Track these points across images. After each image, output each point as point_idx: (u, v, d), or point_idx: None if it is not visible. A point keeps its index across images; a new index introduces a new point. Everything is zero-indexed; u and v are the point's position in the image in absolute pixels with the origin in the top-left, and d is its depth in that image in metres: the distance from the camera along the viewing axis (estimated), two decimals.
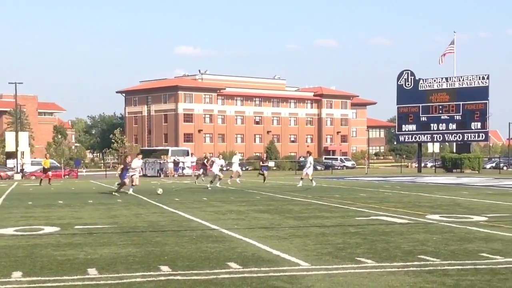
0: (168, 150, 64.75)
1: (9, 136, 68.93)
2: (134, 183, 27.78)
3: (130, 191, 27.12)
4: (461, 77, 59.89)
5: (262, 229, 14.00)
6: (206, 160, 44.88)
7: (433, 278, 8.30)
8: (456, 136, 59.94)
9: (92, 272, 8.90)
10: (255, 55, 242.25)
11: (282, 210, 18.63)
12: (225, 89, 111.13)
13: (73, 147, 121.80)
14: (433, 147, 71.49)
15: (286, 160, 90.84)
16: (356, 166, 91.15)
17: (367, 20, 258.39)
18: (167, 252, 10.64)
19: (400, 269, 8.91)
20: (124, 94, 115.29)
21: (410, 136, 62.25)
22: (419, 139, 62.39)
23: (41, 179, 39.27)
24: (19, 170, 60.53)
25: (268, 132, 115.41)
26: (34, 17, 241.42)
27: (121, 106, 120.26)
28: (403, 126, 62.24)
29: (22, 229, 14.19)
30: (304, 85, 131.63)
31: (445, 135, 60.36)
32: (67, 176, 58.41)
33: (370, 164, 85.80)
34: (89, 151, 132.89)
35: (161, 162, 59.82)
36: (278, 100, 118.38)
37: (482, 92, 58.06)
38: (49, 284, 8.15)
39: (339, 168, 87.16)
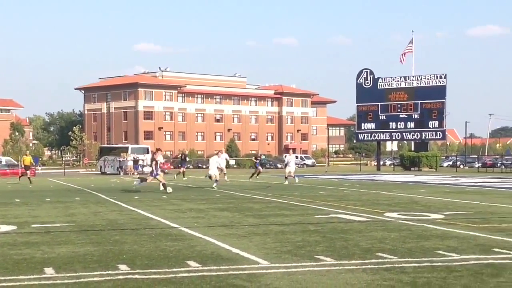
0: (128, 147, 64.21)
1: None
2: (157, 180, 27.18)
3: (169, 189, 26.33)
4: (419, 76, 60.66)
5: (221, 227, 13.99)
6: (182, 155, 44.79)
7: (390, 275, 8.39)
8: (414, 135, 60.70)
9: (49, 271, 8.79)
10: (216, 53, 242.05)
11: (242, 208, 18.64)
12: (185, 86, 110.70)
13: (30, 144, 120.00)
14: (392, 146, 72.12)
15: (246, 158, 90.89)
16: (316, 164, 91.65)
17: (326, 19, 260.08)
18: (125, 250, 10.56)
19: (358, 267, 8.98)
20: (83, 91, 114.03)
21: (369, 134, 62.83)
22: (378, 137, 63.02)
23: (28, 177, 37.46)
24: None
25: (228, 130, 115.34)
26: None
27: (80, 103, 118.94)
28: (363, 124, 62.79)
29: None
30: (265, 83, 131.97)
31: (404, 133, 61.08)
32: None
33: (330, 162, 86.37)
34: (47, 148, 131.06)
35: (121, 160, 59.28)
36: (239, 98, 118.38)
37: (439, 91, 58.88)
38: (4, 284, 8.02)
39: (299, 166, 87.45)
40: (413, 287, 7.73)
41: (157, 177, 26.60)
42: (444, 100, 58.85)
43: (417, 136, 60.66)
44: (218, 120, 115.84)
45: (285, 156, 38.66)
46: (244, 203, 20.85)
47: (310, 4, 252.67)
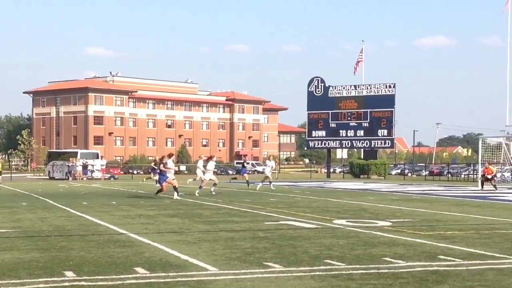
0: (77, 152, 63.40)
1: None
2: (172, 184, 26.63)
3: (176, 196, 25.90)
4: (369, 85, 61.44)
5: (171, 233, 13.92)
6: (154, 163, 44.42)
7: (338, 282, 8.46)
8: (364, 143, 61.40)
9: None
10: (168, 58, 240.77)
11: (192, 215, 18.58)
12: (136, 91, 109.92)
13: None
14: (342, 153, 73.04)
15: (195, 164, 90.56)
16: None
17: (278, 26, 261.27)
18: (72, 257, 10.42)
19: (306, 274, 9.03)
20: (31, 95, 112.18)
21: (320, 142, 63.31)
22: (328, 145, 63.55)
23: None
24: None
25: (180, 136, 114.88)
26: None
27: (28, 107, 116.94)
28: (313, 132, 63.26)
29: None
30: (217, 89, 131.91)
31: (353, 141, 61.72)
32: None
33: (281, 169, 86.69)
34: None
35: (70, 165, 58.46)
36: (190, 104, 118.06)
37: (388, 100, 59.70)
38: None
39: (250, 172, 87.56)
40: None
41: (163, 181, 26.24)
42: (393, 109, 59.69)
43: (367, 144, 61.37)
44: (169, 126, 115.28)
45: (264, 163, 38.73)
46: (194, 209, 20.78)
47: (262, 11, 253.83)
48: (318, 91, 62.54)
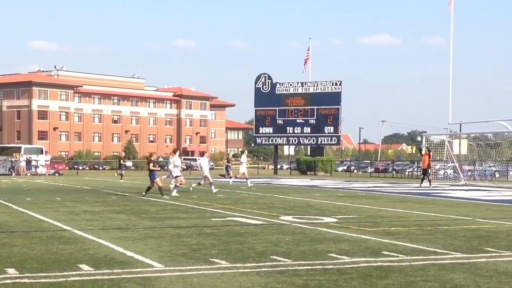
0: (20, 147, 62.22)
1: None
2: (180, 183, 26.24)
3: (174, 193, 25.29)
4: (316, 82, 61.85)
5: (116, 230, 13.79)
6: (120, 160, 44.02)
7: (284, 278, 8.50)
8: (311, 140, 61.83)
9: None
10: (114, 53, 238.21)
11: (138, 211, 18.43)
12: (82, 86, 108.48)
13: None
14: (289, 150, 73.24)
15: (144, 160, 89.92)
16: (215, 167, 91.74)
17: (226, 23, 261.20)
18: (14, 254, 10.23)
19: (252, 270, 9.06)
20: None
21: (267, 138, 63.49)
22: (275, 141, 63.79)
23: None
24: None
25: (126, 131, 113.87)
26: None
27: None
28: (261, 128, 63.41)
29: None
30: (164, 85, 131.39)
31: (300, 138, 62.09)
32: None
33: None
34: None
35: (13, 160, 57.39)
36: (137, 99, 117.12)
37: (335, 98, 60.23)
38: None
39: (197, 169, 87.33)
40: None
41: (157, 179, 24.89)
42: (339, 106, 60.26)
43: (313, 141, 61.82)
44: (115, 121, 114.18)
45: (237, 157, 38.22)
46: (140, 205, 20.62)
47: (209, 7, 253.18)
48: (265, 87, 62.71)
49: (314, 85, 61.43)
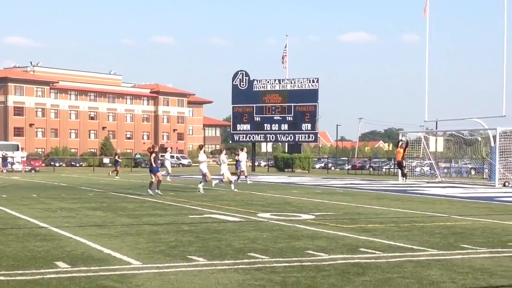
0: None
1: None
2: (208, 179, 26.60)
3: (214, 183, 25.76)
4: (293, 79, 61.92)
5: (93, 227, 13.72)
6: (116, 155, 43.72)
7: (261, 275, 8.52)
8: (288, 137, 61.89)
9: None
10: (91, 49, 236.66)
11: (115, 208, 18.36)
12: (58, 82, 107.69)
13: None
14: (267, 147, 73.22)
15: (122, 157, 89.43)
16: (192, 164, 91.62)
17: (203, 19, 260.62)
18: None
19: (230, 267, 9.06)
20: None
21: (244, 135, 63.44)
22: (253, 138, 63.76)
23: None
24: None
25: (103, 128, 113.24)
26: None
27: None
28: (238, 125, 63.35)
29: None
30: (141, 81, 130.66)
31: (278, 135, 62.12)
32: None
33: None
34: None
35: None
36: (114, 95, 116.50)
37: (312, 95, 60.33)
38: None
39: (175, 165, 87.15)
40: (283, 286, 7.88)
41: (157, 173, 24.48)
42: (317, 104, 60.37)
43: (291, 138, 61.90)
44: (92, 118, 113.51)
45: (237, 155, 37.28)
46: (117, 202, 20.54)
47: (187, 4, 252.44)
48: (243, 84, 62.67)
49: (291, 82, 61.49)
